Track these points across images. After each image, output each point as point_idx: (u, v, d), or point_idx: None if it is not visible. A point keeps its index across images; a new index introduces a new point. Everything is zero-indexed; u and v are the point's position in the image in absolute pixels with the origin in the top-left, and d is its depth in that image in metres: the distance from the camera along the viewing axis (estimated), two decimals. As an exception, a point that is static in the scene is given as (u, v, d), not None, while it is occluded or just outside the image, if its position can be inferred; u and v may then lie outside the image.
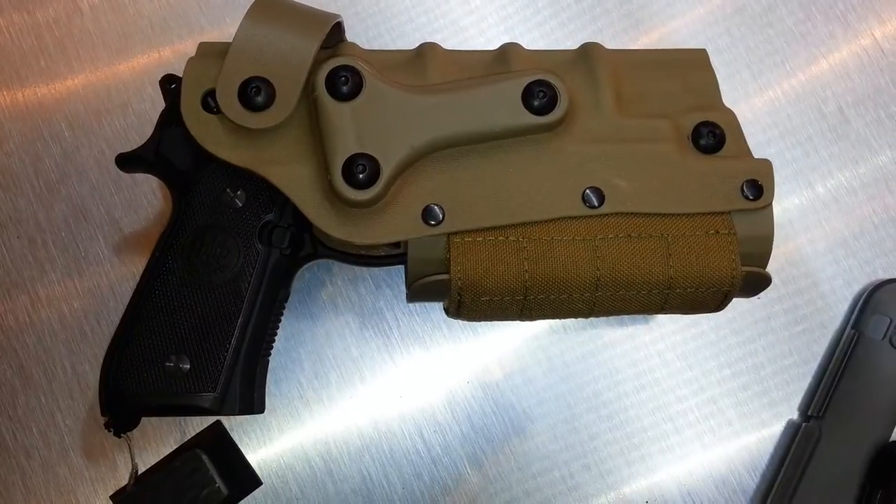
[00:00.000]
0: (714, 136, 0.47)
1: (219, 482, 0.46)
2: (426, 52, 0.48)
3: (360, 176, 0.43)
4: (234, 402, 0.46)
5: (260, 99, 0.44)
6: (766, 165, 0.46)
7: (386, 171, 0.44)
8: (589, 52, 0.48)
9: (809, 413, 0.55)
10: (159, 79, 0.48)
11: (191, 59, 0.46)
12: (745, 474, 0.56)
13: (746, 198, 0.45)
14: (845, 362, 0.55)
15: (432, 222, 0.44)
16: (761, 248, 0.46)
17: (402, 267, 0.52)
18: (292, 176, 0.45)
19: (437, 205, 0.44)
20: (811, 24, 0.61)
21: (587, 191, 0.45)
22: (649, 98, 0.48)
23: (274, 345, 0.50)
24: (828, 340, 0.57)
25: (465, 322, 0.55)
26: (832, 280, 0.58)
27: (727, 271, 0.44)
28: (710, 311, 0.47)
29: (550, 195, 0.45)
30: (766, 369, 0.57)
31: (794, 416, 0.57)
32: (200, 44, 0.48)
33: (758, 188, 0.45)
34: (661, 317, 0.57)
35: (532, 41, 0.59)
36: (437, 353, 0.56)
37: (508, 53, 0.48)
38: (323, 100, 0.44)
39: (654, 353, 0.57)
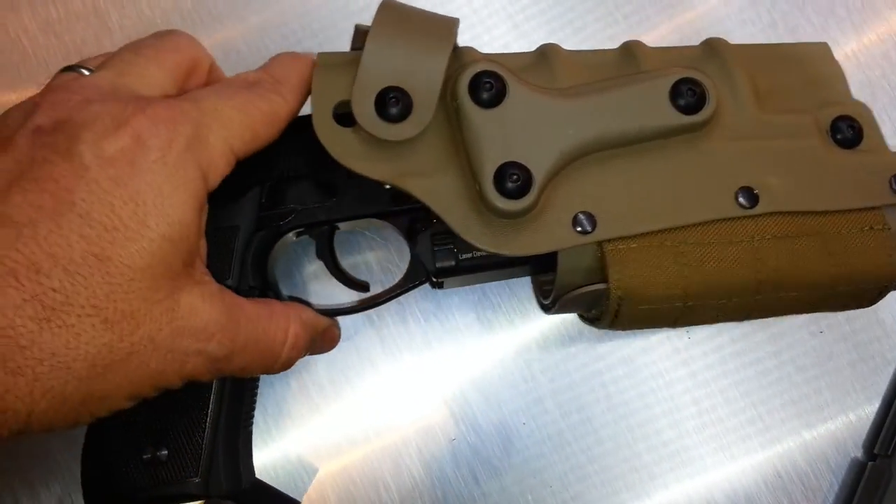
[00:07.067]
0: (853, 129, 0.46)
1: None
2: (549, 53, 0.46)
3: (512, 185, 0.41)
4: (220, 481, 0.43)
5: (397, 110, 0.42)
6: (911, 159, 0.45)
7: (538, 179, 0.41)
8: (716, 47, 0.47)
9: (876, 451, 0.53)
10: None
11: (317, 71, 0.44)
12: (812, 519, 0.54)
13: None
14: None
15: (583, 230, 0.42)
16: (914, 243, 0.45)
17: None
18: (436, 187, 0.42)
19: (586, 212, 0.42)
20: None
21: (739, 191, 0.43)
22: (783, 94, 0.47)
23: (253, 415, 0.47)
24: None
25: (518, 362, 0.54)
26: (898, 314, 0.56)
27: (886, 267, 0.43)
28: (862, 307, 0.46)
29: (702, 197, 0.43)
30: (832, 408, 0.55)
31: (859, 454, 0.55)
32: (319, 54, 0.45)
33: (905, 182, 0.45)
34: (723, 353, 0.55)
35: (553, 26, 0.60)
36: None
37: (634, 51, 0.46)
38: (466, 107, 0.42)
39: (717, 391, 0.55)
